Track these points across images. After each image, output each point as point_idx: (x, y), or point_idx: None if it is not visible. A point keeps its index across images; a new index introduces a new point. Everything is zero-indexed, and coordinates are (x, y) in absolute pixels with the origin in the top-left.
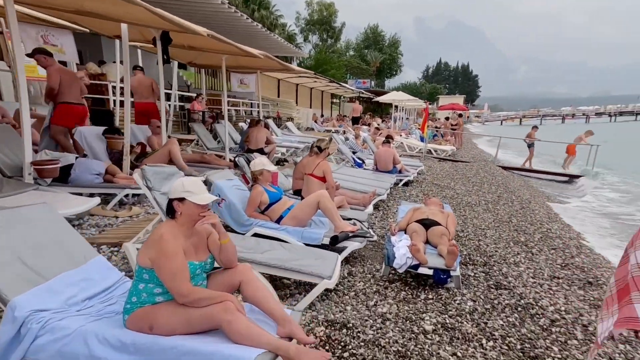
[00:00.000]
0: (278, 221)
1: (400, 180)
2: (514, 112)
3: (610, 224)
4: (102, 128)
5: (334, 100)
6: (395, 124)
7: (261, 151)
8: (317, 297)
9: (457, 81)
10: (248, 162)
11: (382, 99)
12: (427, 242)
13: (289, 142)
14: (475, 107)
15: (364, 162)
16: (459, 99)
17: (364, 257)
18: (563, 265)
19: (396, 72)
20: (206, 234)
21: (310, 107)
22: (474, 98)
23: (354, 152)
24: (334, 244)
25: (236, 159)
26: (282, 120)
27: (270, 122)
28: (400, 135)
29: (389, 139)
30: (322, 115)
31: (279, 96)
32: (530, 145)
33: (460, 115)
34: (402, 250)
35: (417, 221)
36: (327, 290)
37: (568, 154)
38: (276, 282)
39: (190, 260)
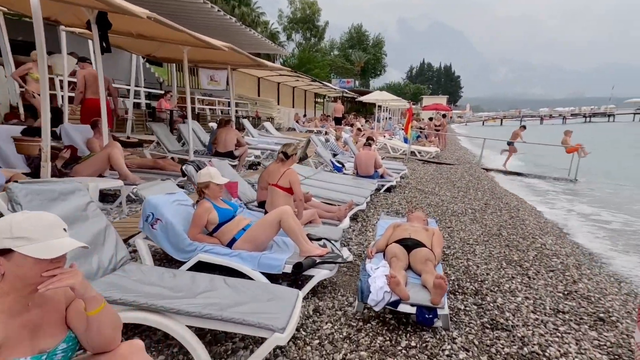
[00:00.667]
0: (230, 244)
1: (382, 185)
2: (494, 112)
3: (606, 232)
4: (21, 127)
5: (318, 100)
6: (378, 124)
7: (231, 154)
8: (270, 352)
9: (440, 82)
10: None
11: (365, 98)
12: (409, 267)
13: (265, 144)
14: (457, 108)
15: (343, 165)
16: (442, 99)
17: (335, 285)
18: (566, 293)
19: (380, 72)
20: (65, 300)
21: (293, 107)
22: (456, 98)
23: (334, 155)
24: (297, 272)
25: (184, 167)
26: (262, 120)
27: (246, 122)
28: (384, 137)
29: (369, 141)
30: (304, 115)
31: (259, 95)
32: (510, 143)
33: (444, 116)
34: (378, 282)
35: (398, 241)
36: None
37: (568, 151)
38: (216, 332)
39: (17, 356)
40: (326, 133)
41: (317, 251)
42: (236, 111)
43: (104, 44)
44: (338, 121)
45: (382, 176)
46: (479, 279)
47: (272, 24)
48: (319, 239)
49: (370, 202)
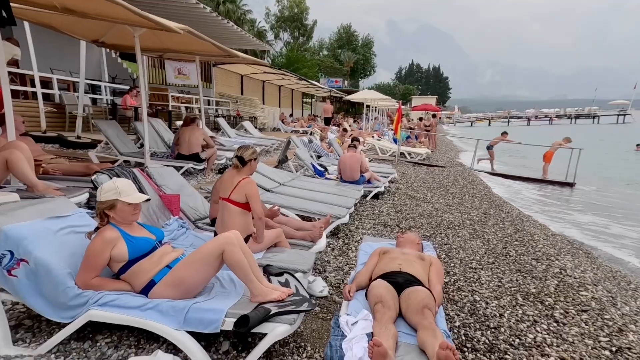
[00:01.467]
0: (147, 291)
1: (370, 191)
2: (482, 113)
3: (628, 244)
4: None
5: (306, 100)
6: (367, 124)
7: (196, 157)
8: None
9: (429, 83)
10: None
11: (352, 97)
12: (400, 314)
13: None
14: (446, 109)
15: (326, 169)
16: (431, 100)
17: (301, 339)
18: (614, 350)
19: (370, 72)
20: None
21: (279, 107)
22: (444, 99)
23: (319, 157)
24: (241, 331)
25: (94, 177)
26: (244, 120)
27: (222, 121)
28: (373, 137)
29: (354, 142)
30: (291, 115)
31: (242, 94)
32: (489, 148)
33: (434, 116)
34: (356, 350)
35: (386, 275)
36: None
37: (545, 161)
38: None
39: None
40: (311, 133)
41: (274, 295)
42: (216, 110)
43: (4, 15)
44: (327, 121)
45: (369, 181)
46: (492, 324)
47: (259, 22)
48: (281, 274)
49: (355, 211)
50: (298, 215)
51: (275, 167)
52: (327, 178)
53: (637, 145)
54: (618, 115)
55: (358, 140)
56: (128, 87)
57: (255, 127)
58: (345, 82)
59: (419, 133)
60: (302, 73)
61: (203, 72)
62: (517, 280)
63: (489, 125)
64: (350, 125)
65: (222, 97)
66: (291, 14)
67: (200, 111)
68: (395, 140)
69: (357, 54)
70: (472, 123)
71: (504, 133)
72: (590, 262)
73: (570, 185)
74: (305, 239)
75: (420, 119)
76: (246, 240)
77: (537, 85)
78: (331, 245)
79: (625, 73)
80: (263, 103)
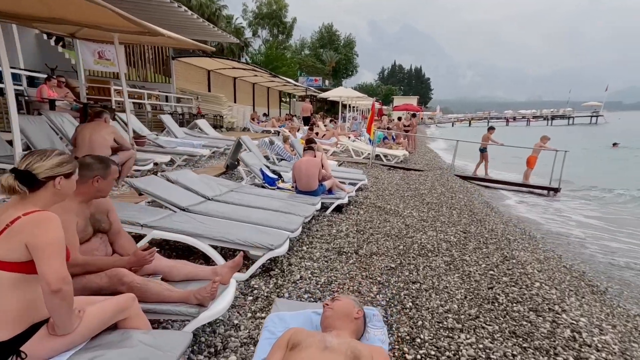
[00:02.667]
0: None
1: (331, 203)
2: (462, 114)
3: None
4: None
5: (284, 99)
6: (344, 124)
7: None
8: None
9: (411, 83)
10: None
11: (326, 95)
12: None
13: (185, 147)
14: (428, 109)
15: (280, 177)
16: (413, 100)
17: None
18: None
19: (352, 72)
20: None
21: (253, 105)
22: (426, 100)
23: (282, 160)
24: None
25: None
26: (206, 118)
27: (166, 118)
28: (349, 137)
29: (311, 144)
30: (264, 115)
31: (209, 90)
32: (482, 150)
33: (413, 115)
34: None
35: None
36: None
37: (528, 166)
38: None
39: None
40: (279, 133)
41: None
42: (174, 107)
43: None
44: (306, 120)
45: (330, 190)
46: None
47: (236, 19)
48: None
49: (306, 231)
50: (214, 246)
51: (223, 173)
52: (279, 187)
53: (614, 144)
54: (591, 116)
55: (314, 142)
56: (45, 76)
57: (221, 127)
58: (327, 82)
59: (398, 134)
60: (282, 72)
61: (160, 65)
62: (512, 352)
63: (469, 125)
64: (326, 125)
65: (184, 93)
66: (269, 11)
67: (144, 107)
68: (371, 142)
69: (339, 53)
70: (453, 124)
71: (491, 129)
72: (601, 305)
73: (555, 190)
74: (186, 301)
75: (399, 119)
76: (32, 332)
77: (515, 86)
78: (254, 291)
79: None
80: (235, 101)
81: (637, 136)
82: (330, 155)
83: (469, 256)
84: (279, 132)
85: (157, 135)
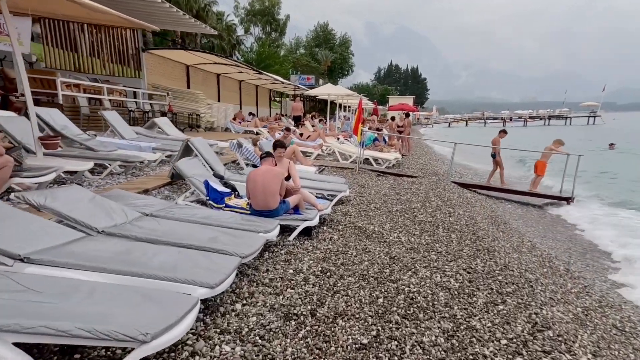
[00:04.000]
0: None
1: (296, 226)
2: (459, 114)
3: None
4: None
5: (276, 98)
6: (334, 123)
7: None
8: None
9: (407, 84)
10: None
11: (313, 92)
12: None
13: (128, 150)
14: (424, 110)
15: (234, 191)
16: (408, 99)
17: None
18: None
19: (348, 72)
20: None
21: (240, 104)
22: (423, 100)
23: (253, 165)
24: None
25: None
26: (178, 117)
27: (111, 115)
28: (337, 139)
29: (279, 149)
30: (250, 114)
31: (188, 87)
32: (494, 156)
33: (407, 115)
34: None
35: None
36: None
37: (536, 173)
38: None
39: None
40: (257, 134)
41: None
42: (151, 105)
43: None
44: (297, 120)
45: (296, 209)
46: None
47: (227, 16)
48: None
49: (254, 269)
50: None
51: (168, 184)
52: (228, 206)
53: (610, 144)
54: (589, 116)
55: (282, 146)
56: None
57: (198, 127)
58: (321, 81)
59: (391, 135)
60: (274, 70)
61: (126, 55)
62: None
63: (466, 125)
64: (314, 125)
65: (156, 89)
66: (262, 8)
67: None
68: (362, 144)
69: (335, 53)
70: (449, 124)
71: (502, 132)
72: None
73: (567, 200)
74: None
75: (393, 119)
76: None
77: (509, 87)
78: None
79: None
80: (218, 100)
81: (633, 137)
82: (313, 159)
83: (480, 319)
84: (260, 132)
85: (94, 135)
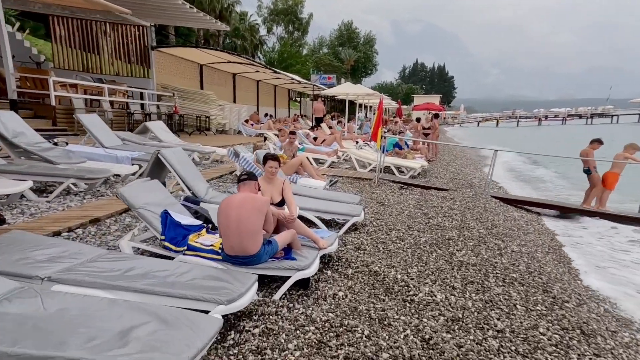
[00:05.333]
0: None
1: (286, 276)
2: (487, 113)
3: None
4: None
5: (296, 99)
6: (353, 125)
7: None
8: None
9: (434, 82)
10: None
11: (331, 92)
12: None
13: (103, 160)
14: (451, 109)
15: (207, 224)
16: (435, 99)
17: None
18: None
19: (372, 71)
20: None
21: (257, 105)
22: (449, 99)
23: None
24: None
25: None
26: (186, 119)
27: (89, 119)
28: (356, 143)
29: (269, 160)
30: (266, 115)
31: (202, 87)
32: (588, 172)
33: (436, 116)
34: None
35: None
36: None
37: (605, 185)
38: None
39: None
40: (265, 139)
41: None
42: (158, 107)
43: None
44: (318, 122)
45: (288, 250)
46: None
47: (250, 16)
48: None
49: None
50: None
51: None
52: (193, 248)
53: None
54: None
55: (276, 159)
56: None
57: (207, 130)
58: (343, 81)
59: (414, 140)
60: (295, 70)
61: (135, 54)
62: None
63: (497, 125)
64: (331, 127)
65: (165, 90)
66: (285, 7)
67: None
68: (382, 149)
69: (358, 51)
70: (478, 123)
71: (595, 142)
72: None
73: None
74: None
75: (418, 120)
76: None
77: (543, 84)
78: None
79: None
80: (234, 100)
81: None
82: (326, 167)
83: None
84: (268, 137)
85: (65, 144)
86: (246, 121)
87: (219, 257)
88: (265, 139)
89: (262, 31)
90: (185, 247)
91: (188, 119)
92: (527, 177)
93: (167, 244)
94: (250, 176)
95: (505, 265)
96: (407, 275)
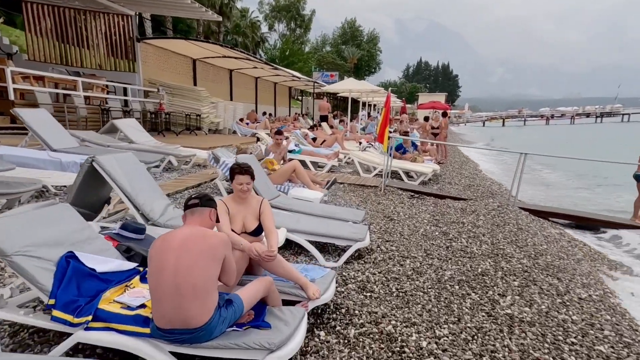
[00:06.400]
0: None
1: None
2: (492, 112)
3: None
4: None
5: (298, 97)
6: (356, 124)
7: None
8: None
9: (438, 81)
10: None
11: (331, 88)
12: None
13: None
14: (455, 108)
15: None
16: (440, 97)
17: None
18: None
19: (375, 69)
20: None
21: (256, 103)
22: (454, 98)
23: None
24: None
25: None
26: (175, 117)
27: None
28: (359, 143)
29: (237, 174)
30: (265, 114)
31: (195, 84)
32: (638, 178)
33: (444, 115)
34: None
35: None
36: None
37: None
38: None
39: None
40: (258, 140)
41: None
42: (143, 104)
43: None
44: (324, 120)
45: (261, 308)
46: None
47: (252, 12)
48: None
49: None
50: None
51: None
52: (101, 316)
53: None
54: None
55: (249, 172)
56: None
57: (197, 129)
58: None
59: (423, 140)
60: (297, 68)
61: (118, 46)
62: None
63: (503, 125)
64: (332, 127)
65: (152, 85)
66: (287, 3)
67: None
68: (389, 151)
69: (362, 49)
70: (484, 123)
71: None
72: None
73: None
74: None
75: (426, 119)
76: None
77: (549, 84)
78: None
79: None
80: (231, 98)
81: None
82: (325, 171)
83: None
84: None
85: None
86: (241, 120)
87: (147, 331)
88: (258, 139)
89: (264, 28)
90: (90, 316)
91: (177, 118)
92: (534, 179)
93: (56, 312)
94: (203, 200)
95: (580, 327)
96: (436, 343)
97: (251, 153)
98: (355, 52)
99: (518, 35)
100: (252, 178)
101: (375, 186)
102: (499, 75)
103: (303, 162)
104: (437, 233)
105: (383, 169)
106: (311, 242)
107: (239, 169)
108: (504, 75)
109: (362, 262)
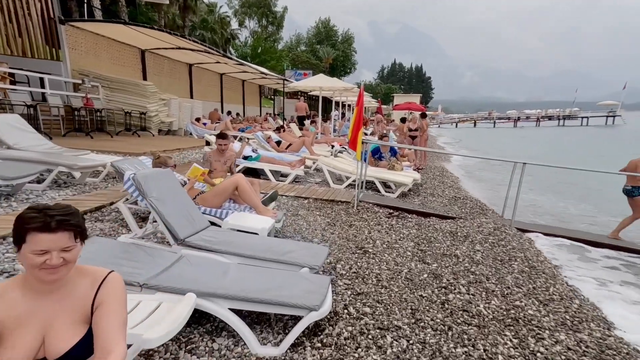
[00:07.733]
0: None
1: None
2: (463, 114)
3: None
4: None
5: (271, 97)
6: (329, 126)
7: None
8: None
9: (412, 82)
10: None
11: (298, 85)
12: None
13: None
14: (429, 109)
15: None
16: (415, 98)
17: None
18: None
19: (350, 69)
20: None
21: (222, 102)
22: (427, 100)
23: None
24: None
25: None
26: (115, 115)
27: None
28: (332, 147)
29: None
30: (229, 113)
31: (145, 78)
32: (631, 193)
33: (423, 116)
34: None
35: None
36: None
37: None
38: None
39: None
40: (207, 144)
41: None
42: (66, 97)
43: None
44: (301, 121)
45: None
46: None
47: (220, 7)
48: None
49: None
50: None
51: None
52: None
53: None
54: (607, 116)
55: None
56: None
57: (142, 129)
58: None
59: (400, 143)
60: (270, 66)
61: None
62: None
63: (475, 126)
64: (302, 129)
65: (86, 76)
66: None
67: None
68: (363, 157)
69: (337, 50)
70: (456, 124)
71: None
72: None
73: None
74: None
75: (403, 120)
76: None
77: (515, 87)
78: None
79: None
80: (191, 96)
81: None
82: (288, 182)
83: None
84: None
85: None
86: (197, 120)
87: None
88: (208, 143)
89: (234, 24)
90: None
91: (116, 116)
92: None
93: None
94: None
95: None
96: None
97: (175, 165)
98: (331, 52)
99: (486, 39)
100: (80, 237)
101: (347, 202)
102: (468, 77)
103: (262, 172)
104: (425, 275)
105: (356, 178)
106: (241, 313)
107: (43, 224)
108: (473, 77)
109: (319, 343)
